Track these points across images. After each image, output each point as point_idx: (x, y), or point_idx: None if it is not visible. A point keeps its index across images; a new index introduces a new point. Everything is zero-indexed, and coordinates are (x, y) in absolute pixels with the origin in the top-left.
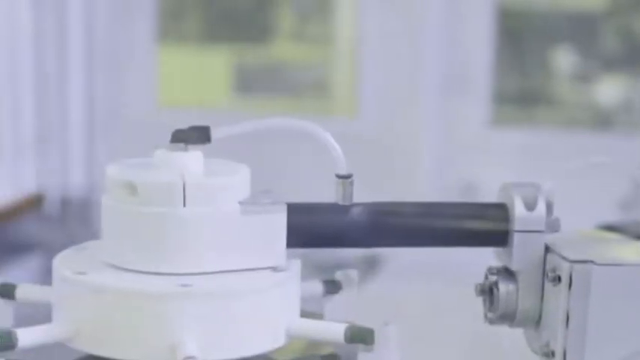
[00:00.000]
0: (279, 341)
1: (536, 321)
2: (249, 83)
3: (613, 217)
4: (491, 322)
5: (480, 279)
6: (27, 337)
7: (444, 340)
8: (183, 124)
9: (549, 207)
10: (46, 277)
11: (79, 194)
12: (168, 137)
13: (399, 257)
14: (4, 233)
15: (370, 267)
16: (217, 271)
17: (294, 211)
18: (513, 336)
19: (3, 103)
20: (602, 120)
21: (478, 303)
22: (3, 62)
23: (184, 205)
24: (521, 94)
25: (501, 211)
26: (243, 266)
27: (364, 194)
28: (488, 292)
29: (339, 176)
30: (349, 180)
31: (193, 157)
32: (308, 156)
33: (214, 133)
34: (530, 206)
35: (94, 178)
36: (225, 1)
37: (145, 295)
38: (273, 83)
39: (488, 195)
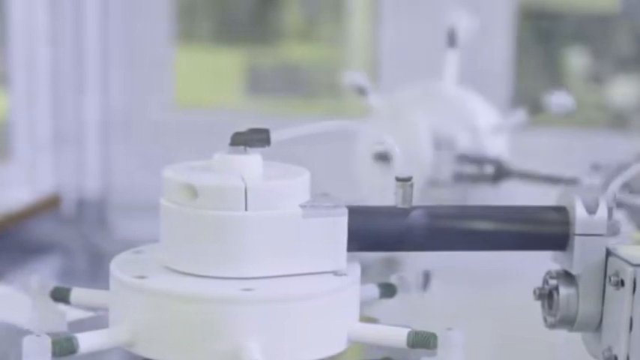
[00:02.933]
0: (341, 346)
1: (596, 325)
2: (262, 84)
3: None
4: (551, 326)
5: (499, 282)
6: (87, 342)
7: (473, 343)
8: (200, 125)
9: (610, 210)
10: (62, 278)
11: (95, 195)
12: (186, 137)
13: (418, 260)
14: (21, 234)
15: (390, 270)
16: (278, 275)
17: (353, 214)
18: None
19: (19, 103)
20: (617, 121)
21: (500, 306)
22: (19, 62)
23: (246, 209)
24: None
25: (561, 214)
26: (304, 270)
27: None
28: (547, 296)
29: (398, 179)
30: (409, 183)
31: (253, 160)
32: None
33: (272, 136)
34: (591, 209)
35: (110, 179)
36: (236, 3)
37: (207, 299)
38: (285, 84)
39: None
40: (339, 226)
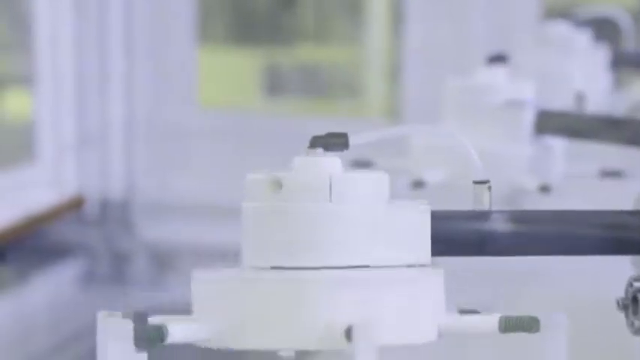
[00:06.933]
0: (433, 334)
1: None
2: (280, 85)
3: None
4: (636, 332)
5: (522, 285)
6: (177, 332)
7: None
8: (223, 127)
9: None
10: (86, 279)
11: (119, 196)
12: (209, 138)
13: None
14: (45, 235)
15: None
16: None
17: (433, 217)
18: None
19: (44, 105)
20: None
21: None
22: (44, 64)
23: (331, 201)
24: None
25: None
26: (390, 263)
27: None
28: (631, 301)
29: (476, 182)
30: (487, 185)
31: (333, 162)
32: None
33: (351, 140)
34: None
35: (134, 180)
36: (253, 3)
37: (298, 281)
38: (303, 85)
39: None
40: (424, 220)
